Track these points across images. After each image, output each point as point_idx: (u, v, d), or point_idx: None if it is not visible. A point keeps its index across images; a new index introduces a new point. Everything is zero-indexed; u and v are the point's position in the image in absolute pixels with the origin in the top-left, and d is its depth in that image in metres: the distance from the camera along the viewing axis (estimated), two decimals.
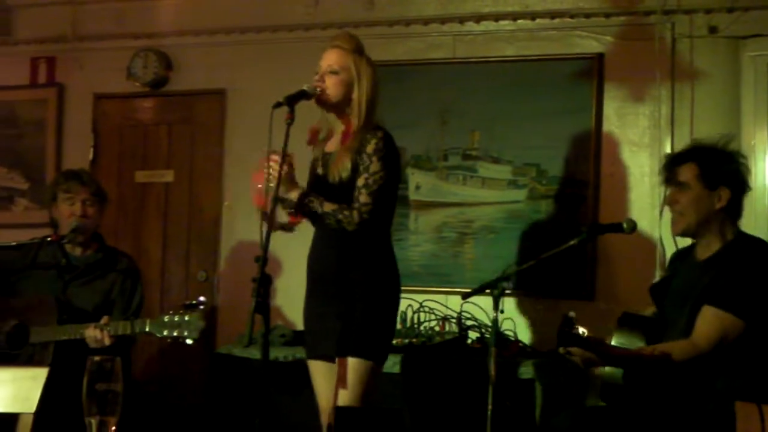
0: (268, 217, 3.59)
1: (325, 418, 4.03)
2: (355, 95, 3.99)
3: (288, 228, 4.02)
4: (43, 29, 6.71)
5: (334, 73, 3.99)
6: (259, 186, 3.82)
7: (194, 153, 6.40)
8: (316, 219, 4.00)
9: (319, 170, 4.09)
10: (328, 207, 3.89)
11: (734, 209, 3.84)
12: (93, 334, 4.32)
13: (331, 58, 4.02)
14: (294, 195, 3.92)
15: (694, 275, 3.80)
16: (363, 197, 3.87)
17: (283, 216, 3.99)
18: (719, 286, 3.63)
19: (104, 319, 4.40)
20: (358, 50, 4.05)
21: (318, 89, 3.96)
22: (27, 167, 6.72)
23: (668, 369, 3.60)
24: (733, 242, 3.79)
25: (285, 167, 3.78)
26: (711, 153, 3.87)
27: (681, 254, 4.07)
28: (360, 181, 3.90)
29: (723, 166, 3.82)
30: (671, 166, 3.91)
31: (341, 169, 3.94)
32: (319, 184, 4.04)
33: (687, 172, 3.82)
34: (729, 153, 3.87)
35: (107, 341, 4.31)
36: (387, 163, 3.92)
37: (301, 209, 3.93)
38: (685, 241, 4.05)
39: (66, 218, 4.76)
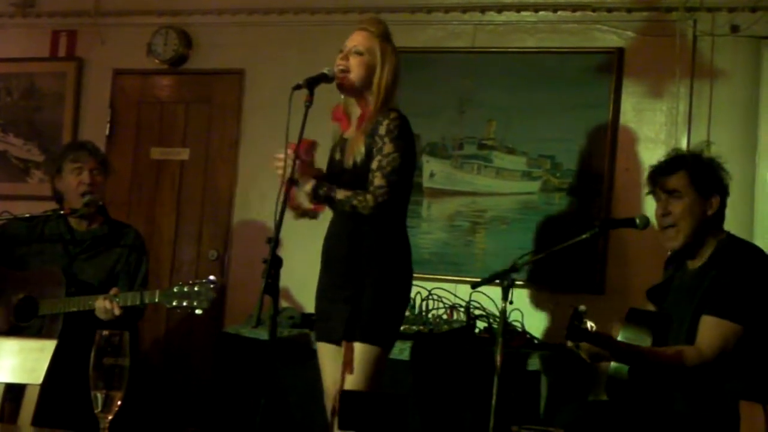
0: (284, 199, 3.62)
1: (330, 401, 4.05)
2: (375, 79, 3.99)
3: (312, 215, 4.04)
4: (65, 3, 6.72)
5: (358, 53, 3.99)
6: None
7: (210, 132, 6.40)
8: (333, 204, 4.01)
9: (337, 155, 4.11)
10: (342, 194, 3.89)
11: (721, 216, 3.88)
12: (102, 304, 4.33)
13: (357, 39, 4.03)
14: (308, 187, 3.92)
15: (691, 279, 3.82)
16: (378, 180, 3.87)
17: (306, 202, 4.00)
18: (716, 294, 3.67)
19: (114, 290, 4.42)
20: (384, 36, 4.05)
21: (339, 70, 3.97)
22: (44, 139, 6.73)
23: (677, 370, 3.62)
24: (725, 245, 3.81)
25: (301, 156, 3.81)
26: (698, 161, 3.88)
27: (674, 258, 4.08)
28: (374, 164, 3.89)
29: (713, 174, 3.85)
30: (659, 176, 3.90)
31: (355, 152, 3.94)
32: (336, 169, 4.06)
33: (678, 181, 3.82)
34: (713, 160, 3.88)
35: (117, 311, 4.32)
36: (400, 144, 3.90)
37: (316, 198, 3.94)
38: None
39: (74, 189, 4.75)
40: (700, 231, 3.81)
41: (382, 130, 3.90)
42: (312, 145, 3.99)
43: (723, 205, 3.87)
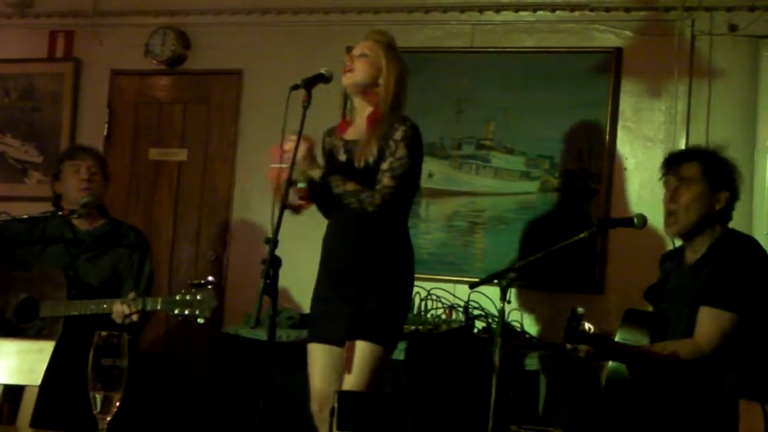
0: (282, 197, 3.63)
1: (316, 403, 4.05)
2: (382, 80, 4.08)
3: (296, 209, 4.05)
4: (63, 3, 6.71)
5: (363, 56, 4.09)
6: (274, 166, 3.85)
7: (209, 133, 6.40)
8: (332, 203, 4.03)
9: (342, 157, 4.12)
10: (351, 186, 3.94)
11: (727, 214, 3.89)
12: (121, 309, 4.33)
13: (362, 46, 4.14)
14: (316, 174, 3.96)
15: (687, 275, 3.83)
16: (386, 180, 3.93)
17: (294, 198, 4.01)
18: (712, 285, 3.68)
19: (132, 294, 4.42)
20: (389, 44, 4.16)
21: (344, 69, 4.07)
22: (42, 140, 6.72)
23: (675, 368, 3.62)
24: (722, 238, 3.82)
25: (304, 148, 3.83)
26: (713, 155, 3.91)
27: (670, 255, 4.09)
28: (384, 165, 3.96)
29: (725, 169, 3.87)
30: (673, 163, 3.92)
31: (368, 154, 4.01)
32: (342, 171, 4.06)
33: (691, 170, 3.85)
34: (728, 158, 3.89)
35: (135, 317, 4.33)
36: (412, 151, 3.99)
37: (322, 188, 3.96)
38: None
39: (73, 187, 4.78)
40: (703, 223, 3.81)
41: (397, 135, 3.98)
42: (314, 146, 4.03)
43: (731, 204, 3.88)
